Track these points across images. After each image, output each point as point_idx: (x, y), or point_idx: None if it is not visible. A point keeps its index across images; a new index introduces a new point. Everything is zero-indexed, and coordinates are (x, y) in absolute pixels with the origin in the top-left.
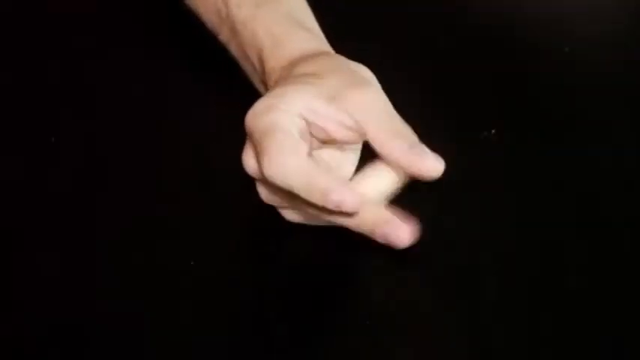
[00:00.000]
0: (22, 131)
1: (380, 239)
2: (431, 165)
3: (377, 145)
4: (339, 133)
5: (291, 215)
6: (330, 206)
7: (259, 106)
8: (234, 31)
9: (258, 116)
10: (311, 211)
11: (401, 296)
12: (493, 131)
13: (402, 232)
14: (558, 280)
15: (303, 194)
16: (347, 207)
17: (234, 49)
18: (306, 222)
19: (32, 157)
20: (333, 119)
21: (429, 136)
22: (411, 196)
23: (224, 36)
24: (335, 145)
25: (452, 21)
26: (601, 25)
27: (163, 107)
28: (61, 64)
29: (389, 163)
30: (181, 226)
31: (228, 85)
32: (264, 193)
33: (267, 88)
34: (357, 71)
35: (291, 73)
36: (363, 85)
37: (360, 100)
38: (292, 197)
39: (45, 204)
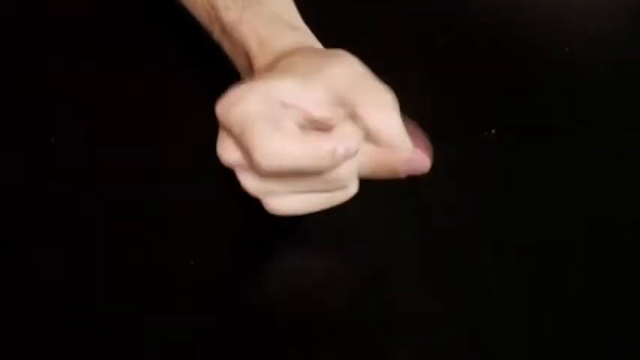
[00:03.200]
0: (22, 131)
1: (404, 168)
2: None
3: (360, 113)
4: (312, 109)
5: (277, 203)
6: (341, 160)
7: (230, 96)
8: (223, 32)
9: (229, 107)
10: (317, 185)
11: (401, 296)
12: (493, 131)
13: (420, 157)
14: (558, 280)
15: (311, 164)
16: (353, 150)
17: (226, 49)
18: (293, 211)
19: (32, 157)
20: (305, 97)
21: (428, 136)
22: (410, 196)
23: (216, 36)
24: (319, 128)
25: (451, 20)
26: (601, 24)
27: (163, 107)
28: (61, 64)
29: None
30: (181, 226)
31: (229, 85)
32: (249, 182)
33: None
34: (333, 51)
35: (274, 66)
36: (337, 56)
37: (333, 70)
38: (290, 179)
39: (45, 204)
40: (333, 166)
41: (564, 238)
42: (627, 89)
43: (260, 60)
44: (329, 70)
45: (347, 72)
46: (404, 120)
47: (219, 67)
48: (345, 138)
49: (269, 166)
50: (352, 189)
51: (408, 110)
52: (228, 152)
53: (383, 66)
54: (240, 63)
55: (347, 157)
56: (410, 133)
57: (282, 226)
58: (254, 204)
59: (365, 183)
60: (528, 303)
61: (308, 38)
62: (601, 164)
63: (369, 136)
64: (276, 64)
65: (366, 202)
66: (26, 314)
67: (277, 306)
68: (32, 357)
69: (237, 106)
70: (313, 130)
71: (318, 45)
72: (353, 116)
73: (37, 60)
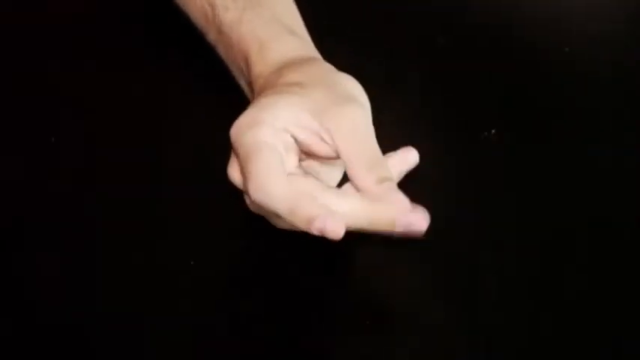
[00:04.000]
0: (22, 131)
1: (401, 229)
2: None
3: (348, 170)
4: (322, 148)
5: (279, 224)
6: (315, 232)
7: (245, 119)
8: (221, 33)
9: (243, 130)
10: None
11: (401, 296)
12: (493, 131)
13: (419, 217)
14: (558, 280)
15: (289, 218)
16: (330, 234)
17: (221, 51)
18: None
19: (32, 157)
20: (316, 134)
21: (429, 136)
22: (410, 196)
23: (211, 37)
24: (320, 158)
25: (451, 20)
26: (601, 24)
27: (163, 107)
28: (61, 64)
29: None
30: (181, 226)
31: (229, 86)
32: (251, 204)
33: (253, 91)
34: (342, 84)
35: (277, 81)
36: (347, 102)
37: (340, 121)
38: (277, 215)
39: (45, 204)
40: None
41: (564, 238)
42: (627, 89)
43: (259, 66)
44: (335, 115)
45: (352, 125)
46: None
47: (219, 68)
48: (330, 222)
49: (256, 199)
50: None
51: (410, 111)
52: (235, 173)
53: (384, 67)
54: (235, 66)
55: (322, 235)
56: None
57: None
58: None
59: None
60: (528, 303)
61: (307, 45)
62: (601, 164)
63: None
64: (278, 77)
65: None
66: (26, 314)
67: (277, 306)
68: (32, 357)
69: (250, 131)
70: (315, 159)
71: (317, 53)
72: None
73: (37, 60)
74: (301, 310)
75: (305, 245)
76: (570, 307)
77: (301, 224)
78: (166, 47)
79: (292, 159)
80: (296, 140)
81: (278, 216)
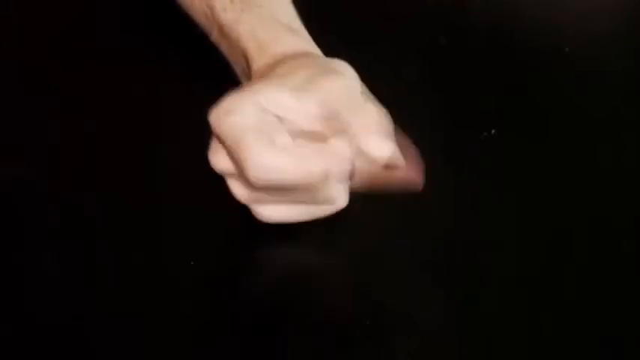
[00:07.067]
0: (22, 131)
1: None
2: (376, 147)
3: (345, 126)
4: (305, 123)
5: (267, 212)
6: (332, 180)
7: (223, 106)
8: (221, 33)
9: (222, 117)
10: (306, 198)
11: (401, 296)
12: (493, 131)
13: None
14: (558, 280)
15: (301, 183)
16: (346, 173)
17: (224, 51)
18: (281, 220)
19: (32, 157)
20: (298, 110)
21: (429, 136)
22: (410, 196)
23: (214, 37)
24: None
25: (451, 20)
26: (601, 25)
27: (163, 107)
28: (61, 64)
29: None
30: (181, 226)
31: (229, 86)
32: (239, 190)
33: None
34: (330, 63)
35: (269, 71)
36: (334, 73)
37: (328, 86)
38: (279, 191)
39: (45, 204)
40: (324, 183)
41: (564, 237)
42: (627, 89)
43: (258, 62)
44: (324, 84)
45: (342, 88)
46: (397, 134)
47: (219, 67)
48: (338, 159)
49: (259, 180)
50: (341, 202)
51: (410, 110)
52: (219, 160)
53: (384, 66)
54: (238, 66)
55: (339, 178)
56: (402, 149)
57: (282, 227)
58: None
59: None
60: (528, 303)
61: (306, 42)
62: (600, 164)
63: (362, 153)
64: (273, 69)
65: (366, 202)
66: (26, 314)
67: (277, 306)
68: (32, 357)
69: (230, 116)
70: (306, 139)
71: (317, 50)
72: (346, 132)
73: (37, 60)
74: (301, 310)
75: (305, 245)
76: (570, 307)
77: (316, 179)
78: (166, 47)
79: (284, 137)
80: (280, 120)
81: (289, 190)
